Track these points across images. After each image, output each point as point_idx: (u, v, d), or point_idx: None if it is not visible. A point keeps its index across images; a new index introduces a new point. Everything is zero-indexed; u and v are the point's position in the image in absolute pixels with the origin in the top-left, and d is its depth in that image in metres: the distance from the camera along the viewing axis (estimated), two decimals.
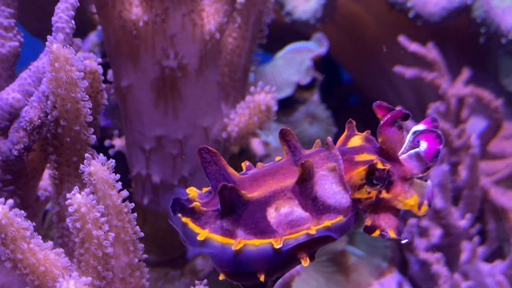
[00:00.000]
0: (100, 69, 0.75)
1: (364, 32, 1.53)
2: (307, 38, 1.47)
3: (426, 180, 0.50)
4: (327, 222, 0.47)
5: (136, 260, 0.74)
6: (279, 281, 1.02)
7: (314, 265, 1.22)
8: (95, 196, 0.69)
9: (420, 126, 0.51)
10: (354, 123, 0.53)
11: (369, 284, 1.28)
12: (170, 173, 0.97)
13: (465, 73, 1.31)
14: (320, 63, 1.46)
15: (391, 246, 1.26)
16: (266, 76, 1.39)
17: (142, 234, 0.75)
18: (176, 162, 0.96)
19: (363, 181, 0.48)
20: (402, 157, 0.50)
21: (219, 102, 0.96)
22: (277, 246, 0.46)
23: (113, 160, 0.69)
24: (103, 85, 0.76)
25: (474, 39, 1.34)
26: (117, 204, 0.70)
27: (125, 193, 0.71)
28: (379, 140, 0.49)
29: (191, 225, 0.48)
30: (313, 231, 0.47)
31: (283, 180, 0.48)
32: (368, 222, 0.50)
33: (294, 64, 1.41)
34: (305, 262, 0.47)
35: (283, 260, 0.47)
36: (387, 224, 0.49)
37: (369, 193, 0.48)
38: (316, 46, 1.44)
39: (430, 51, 1.29)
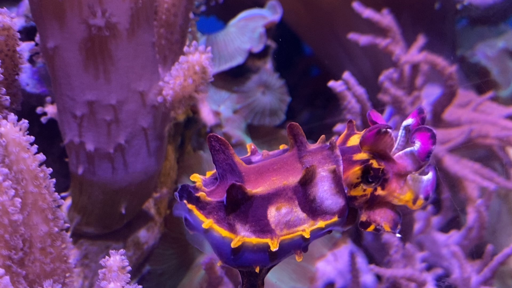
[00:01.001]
0: (14, 25, 0.70)
1: (320, 1, 1.49)
2: (263, 6, 1.42)
3: (427, 173, 0.52)
4: (322, 223, 0.50)
5: (56, 229, 0.70)
6: None
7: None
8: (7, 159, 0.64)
9: (409, 120, 0.53)
10: (354, 122, 0.55)
11: (323, 255, 1.26)
12: (105, 141, 0.92)
13: (420, 40, 1.27)
14: (275, 31, 1.42)
15: None
16: (218, 44, 1.35)
17: (62, 201, 0.70)
18: (110, 129, 0.91)
19: (359, 180, 0.50)
20: (397, 154, 0.52)
21: (155, 65, 0.91)
22: (273, 249, 0.48)
23: (26, 121, 0.65)
24: (30, 46, 0.71)
25: (430, 5, 1.31)
26: (32, 169, 0.66)
27: (40, 156, 0.66)
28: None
29: (196, 213, 0.49)
30: (307, 235, 0.49)
31: (286, 178, 0.50)
32: (363, 217, 0.52)
33: (246, 31, 1.36)
34: (299, 258, 0.50)
35: (277, 257, 0.50)
36: (382, 219, 0.51)
37: (364, 190, 0.51)
38: (270, 13, 1.39)
39: (385, 17, 1.26)
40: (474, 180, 1.11)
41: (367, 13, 1.26)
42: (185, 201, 0.50)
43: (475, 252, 1.19)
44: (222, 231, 0.49)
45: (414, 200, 0.52)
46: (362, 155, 0.51)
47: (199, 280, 1.12)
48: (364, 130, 0.52)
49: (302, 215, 0.50)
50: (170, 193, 1.14)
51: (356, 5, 1.27)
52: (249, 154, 0.54)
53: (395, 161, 0.52)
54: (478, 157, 1.33)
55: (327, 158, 0.51)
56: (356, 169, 0.50)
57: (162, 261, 1.14)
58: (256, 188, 0.49)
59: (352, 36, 1.29)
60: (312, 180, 0.50)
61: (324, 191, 0.50)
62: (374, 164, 0.51)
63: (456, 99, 1.26)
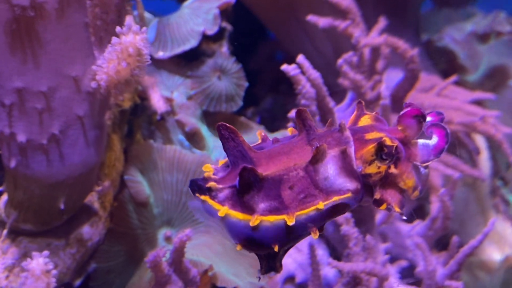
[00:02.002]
0: None
1: None
2: None
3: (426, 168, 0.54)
4: (335, 197, 0.51)
5: None
6: (171, 248, 0.91)
7: (219, 229, 1.13)
8: None
9: (428, 119, 0.55)
10: (364, 103, 0.57)
11: None
12: (37, 131, 0.85)
13: (381, 22, 1.22)
14: (232, 13, 1.35)
15: None
16: (170, 27, 1.27)
17: None
18: (42, 118, 0.84)
19: (373, 157, 0.51)
20: (413, 141, 0.54)
21: (89, 48, 0.84)
22: (290, 223, 0.49)
23: None
24: None
25: None
26: None
27: None
28: (399, 127, 0.53)
29: (210, 202, 0.50)
30: (321, 206, 0.50)
31: (296, 159, 0.51)
32: (377, 195, 0.53)
33: (200, 13, 1.29)
34: (315, 235, 0.51)
35: (295, 234, 0.51)
36: (392, 199, 0.53)
37: (379, 167, 0.52)
38: None
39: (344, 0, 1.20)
40: (436, 168, 1.06)
41: None
42: (197, 194, 0.51)
43: (442, 243, 1.15)
44: (238, 215, 0.50)
45: (414, 189, 0.54)
46: (375, 134, 0.53)
47: (149, 278, 1.06)
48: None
49: (315, 191, 0.51)
50: (115, 185, 1.07)
51: None
52: (260, 141, 0.55)
53: (410, 147, 0.53)
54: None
55: (337, 140, 0.52)
56: (370, 147, 0.52)
57: (109, 258, 1.08)
58: (267, 171, 0.50)
59: (311, 18, 1.23)
60: (323, 159, 0.51)
61: (335, 169, 0.51)
62: (388, 141, 0.52)
63: (419, 83, 1.20)
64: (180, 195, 1.13)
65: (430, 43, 1.77)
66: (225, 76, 1.26)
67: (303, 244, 1.23)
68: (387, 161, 0.52)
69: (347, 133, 0.53)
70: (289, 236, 0.51)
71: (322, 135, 0.53)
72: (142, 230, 1.11)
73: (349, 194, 0.51)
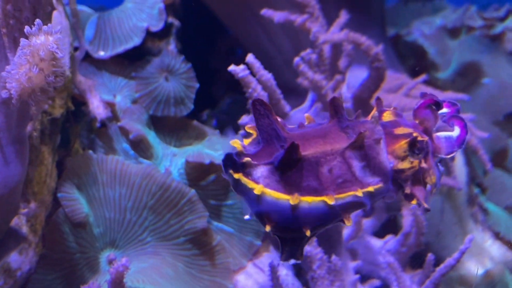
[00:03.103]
0: None
1: None
2: None
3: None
4: (371, 188, 0.51)
5: None
6: (108, 279, 0.79)
7: (170, 249, 1.01)
8: None
9: (445, 110, 0.55)
10: (383, 99, 0.56)
11: (242, 267, 1.09)
12: None
13: (342, 17, 1.11)
14: (180, 7, 1.23)
15: None
16: (111, 23, 1.15)
17: None
18: None
19: (406, 153, 0.52)
20: (436, 135, 0.55)
21: (2, 51, 0.71)
22: (331, 203, 0.48)
23: None
24: None
25: None
26: None
27: None
28: (416, 121, 0.54)
29: (244, 180, 0.48)
30: (360, 193, 0.50)
31: (332, 144, 0.51)
32: (407, 190, 0.53)
33: (145, 7, 1.17)
34: (349, 222, 0.50)
35: (330, 218, 0.50)
36: (420, 195, 0.53)
37: (411, 162, 0.52)
38: None
39: None
40: None
41: None
42: (230, 171, 0.49)
43: (418, 258, 1.05)
44: (275, 194, 0.48)
45: (435, 185, 0.54)
46: (404, 129, 0.53)
47: None
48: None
49: (352, 178, 0.50)
50: (47, 205, 0.95)
51: None
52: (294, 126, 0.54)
53: (433, 140, 0.54)
54: None
55: (371, 131, 0.52)
56: (403, 143, 0.52)
57: None
58: (305, 152, 0.49)
59: (266, 12, 1.11)
60: (362, 147, 0.51)
61: (371, 159, 0.51)
62: (419, 136, 0.53)
63: (385, 83, 1.10)
64: (124, 212, 1.01)
65: (399, 38, 1.67)
66: (173, 76, 1.14)
67: (264, 262, 1.12)
68: (420, 156, 0.53)
69: (379, 125, 0.53)
70: (325, 219, 0.50)
71: (354, 125, 0.53)
72: (81, 254, 0.99)
73: (381, 185, 0.52)
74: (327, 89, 1.02)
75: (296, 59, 0.99)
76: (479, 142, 1.08)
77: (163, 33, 1.15)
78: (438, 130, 0.55)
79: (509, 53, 1.43)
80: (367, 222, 1.06)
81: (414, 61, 1.61)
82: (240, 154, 0.49)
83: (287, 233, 0.50)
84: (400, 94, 1.11)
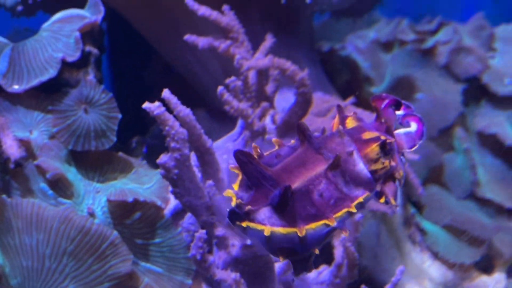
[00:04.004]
0: None
1: None
2: None
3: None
4: (360, 199, 0.55)
5: None
6: None
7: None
8: None
9: (400, 112, 0.60)
10: (342, 106, 0.60)
11: None
12: None
13: (268, 40, 1.07)
14: (98, 35, 1.17)
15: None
16: (26, 54, 1.08)
17: None
18: None
19: (378, 155, 0.56)
20: (396, 132, 0.59)
21: None
22: (334, 225, 0.53)
23: None
24: None
25: (279, 0, 1.11)
26: None
27: None
28: (382, 120, 0.58)
29: (252, 225, 0.52)
30: (353, 209, 0.54)
31: (314, 169, 0.54)
32: (378, 188, 0.57)
33: (61, 36, 1.10)
34: (346, 234, 0.54)
35: (332, 233, 0.54)
36: (389, 191, 0.58)
37: (383, 163, 0.56)
38: (91, 13, 1.14)
39: (225, 16, 1.04)
40: None
41: (202, 10, 1.04)
42: (237, 223, 0.52)
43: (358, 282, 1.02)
44: (283, 230, 0.52)
45: (402, 178, 0.59)
46: (371, 134, 0.57)
47: None
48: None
49: (341, 195, 0.54)
50: None
51: (189, 2, 1.05)
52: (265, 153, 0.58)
53: (395, 137, 0.59)
54: None
55: (341, 144, 0.56)
56: (374, 146, 0.56)
57: None
58: (293, 185, 0.53)
59: (189, 38, 1.07)
60: (340, 165, 0.54)
61: (351, 172, 0.55)
62: (387, 139, 0.57)
63: (314, 106, 1.07)
64: (43, 260, 0.94)
65: (333, 52, 1.65)
66: (93, 108, 1.08)
67: None
68: (389, 156, 0.57)
69: (347, 137, 0.57)
70: (327, 237, 0.55)
71: (325, 142, 0.56)
72: None
73: (368, 194, 0.56)
74: (253, 118, 0.98)
75: (219, 88, 0.95)
76: (409, 165, 1.06)
77: (81, 63, 1.09)
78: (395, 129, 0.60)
79: (441, 67, 1.42)
80: None
81: (349, 76, 1.59)
82: (240, 205, 0.53)
83: (300, 257, 0.55)
84: (329, 117, 1.08)
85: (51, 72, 1.06)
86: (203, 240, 0.85)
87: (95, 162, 1.11)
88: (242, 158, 0.52)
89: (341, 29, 1.82)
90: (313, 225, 0.53)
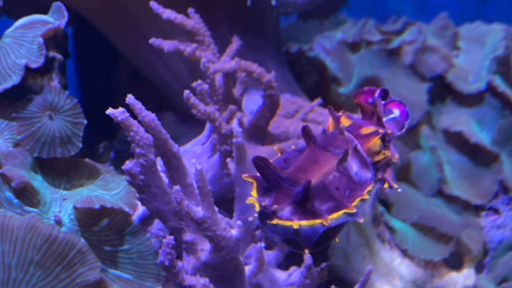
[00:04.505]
0: None
1: None
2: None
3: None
4: (369, 187, 0.61)
5: None
6: None
7: None
8: None
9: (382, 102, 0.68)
10: (332, 108, 0.67)
11: None
12: None
13: (235, 43, 1.07)
14: (62, 40, 1.15)
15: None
16: None
17: None
18: None
19: (380, 148, 0.63)
20: (384, 120, 0.66)
21: None
22: (353, 211, 0.59)
23: None
24: None
25: (243, 2, 1.11)
26: None
27: None
28: (377, 109, 0.65)
29: (281, 223, 0.57)
30: (366, 196, 0.61)
31: (325, 165, 0.60)
32: (379, 176, 0.64)
33: (25, 42, 1.08)
34: (361, 219, 0.60)
35: (345, 224, 0.61)
36: (389, 177, 0.65)
37: (384, 154, 0.63)
38: (55, 18, 1.12)
39: (190, 19, 1.04)
40: None
41: (167, 14, 1.03)
42: (268, 221, 0.57)
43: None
44: (309, 222, 0.56)
45: (398, 162, 0.67)
46: (369, 129, 0.63)
47: None
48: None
49: (354, 185, 0.59)
50: None
51: (153, 5, 1.04)
52: (277, 157, 0.64)
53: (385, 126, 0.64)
54: None
55: (344, 141, 0.61)
56: (376, 140, 0.62)
57: None
58: (312, 181, 0.57)
59: (155, 41, 1.06)
60: (348, 159, 0.59)
61: (358, 164, 0.60)
62: (388, 131, 0.62)
63: (282, 108, 1.07)
64: (9, 270, 0.92)
65: (301, 53, 1.66)
66: (58, 115, 1.07)
67: None
68: (388, 146, 0.63)
69: (348, 134, 0.62)
70: (343, 226, 0.60)
71: (330, 141, 0.62)
72: None
73: (373, 184, 0.61)
74: (220, 121, 0.97)
75: (186, 92, 0.94)
76: None
77: (45, 69, 1.07)
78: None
79: (407, 67, 1.43)
80: (270, 255, 1.02)
81: (317, 76, 1.60)
82: (265, 207, 0.58)
83: (323, 246, 0.60)
84: (297, 119, 1.09)
85: (15, 79, 1.04)
86: (171, 246, 0.85)
87: (61, 169, 1.10)
88: (260, 163, 0.57)
89: (309, 30, 1.82)
90: (335, 215, 0.58)
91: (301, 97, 1.24)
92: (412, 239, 1.23)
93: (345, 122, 0.65)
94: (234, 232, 0.89)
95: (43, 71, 1.08)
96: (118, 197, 1.06)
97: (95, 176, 1.11)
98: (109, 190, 1.09)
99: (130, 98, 0.79)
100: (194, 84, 0.98)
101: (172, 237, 0.84)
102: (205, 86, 0.98)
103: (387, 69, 1.47)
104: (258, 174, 0.60)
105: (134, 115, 0.81)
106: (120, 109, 0.78)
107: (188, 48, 1.02)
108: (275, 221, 0.57)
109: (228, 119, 1.01)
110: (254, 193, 0.61)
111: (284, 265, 1.05)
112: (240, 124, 1.03)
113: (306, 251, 0.59)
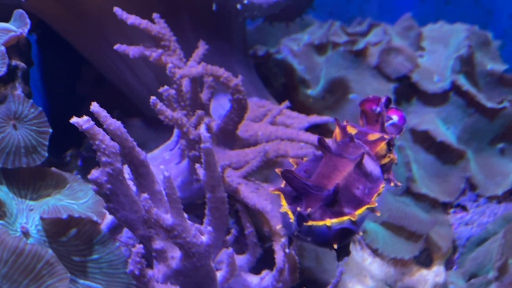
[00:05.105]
0: None
1: (84, 2, 1.22)
2: None
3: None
4: (382, 185, 0.69)
5: None
6: None
7: None
8: None
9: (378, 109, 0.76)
10: (338, 119, 0.74)
11: None
12: None
13: (201, 48, 1.07)
14: (25, 48, 1.13)
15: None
16: None
17: None
18: None
19: (386, 152, 0.71)
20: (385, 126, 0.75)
21: None
22: (375, 205, 0.66)
23: None
24: None
25: (209, 7, 1.11)
26: None
27: None
28: (382, 118, 0.74)
29: (316, 223, 0.65)
30: (381, 190, 0.68)
31: (345, 169, 0.67)
32: (385, 176, 0.72)
33: None
34: (378, 213, 0.67)
35: (370, 213, 0.68)
36: (393, 177, 0.73)
37: (389, 157, 0.71)
38: (17, 26, 1.10)
39: (155, 24, 1.03)
40: (275, 214, 0.93)
41: (131, 19, 1.02)
42: (304, 223, 0.63)
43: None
44: (339, 220, 0.64)
45: (396, 160, 0.75)
46: (374, 136, 0.71)
47: None
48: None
49: (369, 185, 0.66)
50: None
51: (117, 11, 1.03)
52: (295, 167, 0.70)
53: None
54: None
55: (356, 147, 0.68)
56: (383, 145, 0.69)
57: None
58: (333, 185, 0.65)
59: (119, 47, 1.05)
60: (363, 162, 0.66)
61: (370, 166, 0.67)
62: (393, 136, 0.71)
63: (250, 111, 1.07)
64: None
65: (269, 56, 1.66)
66: (22, 124, 1.05)
67: None
68: (392, 150, 0.71)
69: (358, 141, 0.69)
70: (364, 220, 0.66)
71: (343, 148, 0.69)
72: None
73: (383, 184, 0.68)
74: (188, 127, 0.97)
75: (152, 98, 0.93)
76: None
77: (8, 78, 1.05)
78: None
79: (373, 68, 1.45)
80: (242, 259, 1.02)
81: (285, 79, 1.60)
82: (301, 213, 0.64)
83: (347, 241, 0.67)
84: (266, 122, 1.08)
85: None
86: (141, 255, 0.84)
87: (27, 179, 1.08)
88: (288, 175, 0.64)
89: (275, 33, 1.83)
90: (360, 211, 0.65)
91: (269, 100, 1.24)
92: (382, 239, 1.24)
93: (351, 130, 0.72)
94: (204, 238, 0.88)
95: (6, 80, 1.05)
96: (86, 206, 1.04)
97: (62, 185, 1.09)
98: (76, 199, 1.07)
99: (94, 106, 0.78)
100: (160, 90, 0.97)
101: (141, 245, 0.83)
102: (172, 92, 0.98)
103: (354, 70, 1.48)
104: (282, 186, 0.69)
105: (99, 123, 0.80)
106: (85, 117, 0.77)
107: (153, 53, 1.01)
108: (310, 223, 0.63)
109: (196, 124, 1.00)
110: (283, 203, 0.67)
111: (256, 269, 1.05)
112: (208, 129, 1.03)
113: (335, 245, 0.66)
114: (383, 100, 0.74)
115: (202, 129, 0.94)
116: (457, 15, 1.77)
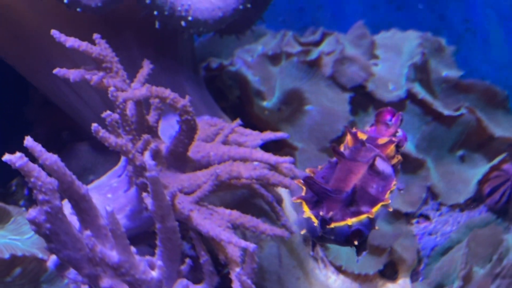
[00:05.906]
0: None
1: (24, 26, 1.16)
2: None
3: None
4: (393, 186, 0.72)
5: None
6: None
7: None
8: None
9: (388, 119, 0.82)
10: (348, 127, 0.83)
11: None
12: None
13: (146, 68, 1.02)
14: None
15: None
16: None
17: None
18: None
19: (394, 153, 0.76)
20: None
21: None
22: (389, 202, 0.70)
23: None
24: None
25: (152, 25, 1.06)
26: None
27: None
28: (396, 128, 0.80)
29: (338, 224, 0.68)
30: (393, 187, 0.72)
31: (359, 172, 0.71)
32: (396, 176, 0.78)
33: None
34: (391, 209, 0.71)
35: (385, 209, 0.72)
36: (397, 179, 0.76)
37: (397, 157, 0.76)
38: None
39: (96, 45, 0.98)
40: (229, 241, 0.88)
41: (70, 42, 0.97)
42: (327, 226, 0.68)
43: None
44: (358, 218, 0.68)
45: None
46: (383, 140, 0.76)
47: None
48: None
49: (382, 183, 0.72)
50: None
51: (54, 33, 0.97)
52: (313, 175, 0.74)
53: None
54: (243, 197, 1.11)
55: (368, 151, 0.74)
56: (392, 147, 0.76)
57: None
58: (351, 187, 0.70)
59: (59, 72, 0.99)
60: (376, 163, 0.72)
61: (382, 165, 0.73)
62: (401, 139, 0.78)
63: (200, 131, 1.03)
64: None
65: (222, 68, 1.62)
66: None
67: None
68: (399, 152, 0.76)
69: (369, 145, 0.74)
70: (378, 217, 0.69)
71: (356, 153, 0.73)
72: None
73: (395, 183, 0.72)
74: (134, 153, 0.92)
75: (94, 125, 0.88)
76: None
77: None
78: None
79: (328, 78, 1.42)
80: None
81: (240, 91, 1.56)
82: (323, 216, 0.67)
83: (365, 238, 0.69)
84: (218, 141, 1.04)
85: None
86: None
87: None
88: (309, 181, 0.69)
89: (229, 44, 1.79)
90: (376, 208, 0.69)
91: (221, 118, 1.19)
92: (345, 255, 1.21)
93: (361, 135, 0.76)
94: (154, 273, 0.83)
95: None
96: (31, 242, 0.98)
97: (5, 220, 1.03)
98: (21, 234, 1.01)
99: (28, 141, 0.72)
100: (103, 115, 0.92)
101: (86, 286, 0.78)
102: (115, 116, 0.93)
103: (308, 80, 1.45)
104: (303, 194, 0.72)
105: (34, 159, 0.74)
106: (18, 154, 0.71)
107: (94, 77, 0.96)
108: (332, 225, 0.67)
109: (143, 149, 0.95)
110: (305, 209, 0.70)
111: None
112: (157, 152, 0.98)
113: (356, 242, 0.69)
114: (400, 114, 0.80)
115: (147, 156, 0.89)
116: (409, 21, 1.76)
